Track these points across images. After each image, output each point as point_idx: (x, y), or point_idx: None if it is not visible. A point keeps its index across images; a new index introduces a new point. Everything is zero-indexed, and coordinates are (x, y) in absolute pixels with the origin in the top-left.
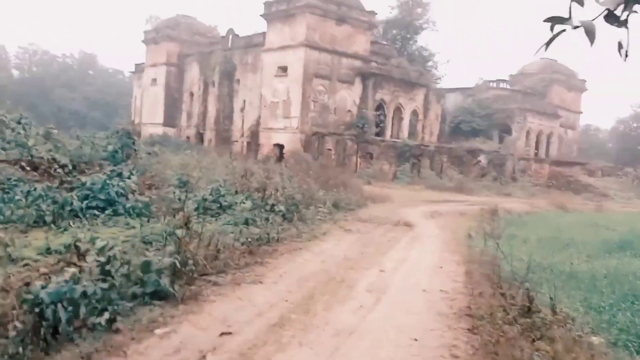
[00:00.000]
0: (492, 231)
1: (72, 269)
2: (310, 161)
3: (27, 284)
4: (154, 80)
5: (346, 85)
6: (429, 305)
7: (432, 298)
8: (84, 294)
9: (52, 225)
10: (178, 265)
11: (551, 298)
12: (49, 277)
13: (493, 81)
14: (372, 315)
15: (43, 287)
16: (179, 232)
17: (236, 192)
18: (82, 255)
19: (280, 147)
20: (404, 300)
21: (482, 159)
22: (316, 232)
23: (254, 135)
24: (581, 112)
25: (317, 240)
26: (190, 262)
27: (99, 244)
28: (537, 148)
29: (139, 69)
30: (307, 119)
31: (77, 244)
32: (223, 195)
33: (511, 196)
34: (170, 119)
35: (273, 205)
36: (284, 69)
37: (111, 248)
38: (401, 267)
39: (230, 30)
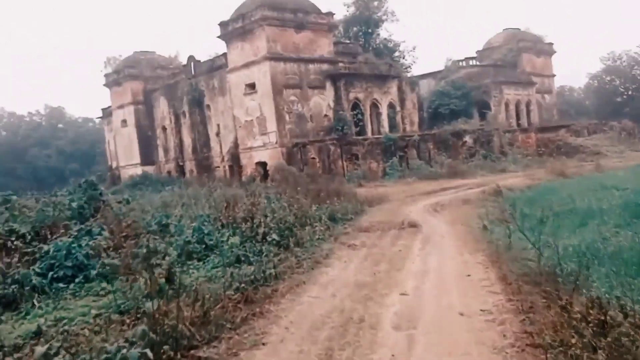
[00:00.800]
0: (503, 215)
1: None
2: (297, 173)
3: None
4: (124, 121)
5: (318, 90)
6: (475, 338)
7: (475, 324)
8: None
9: (9, 311)
10: (150, 355)
11: (617, 297)
12: None
13: (462, 60)
14: None
15: None
16: (149, 305)
17: (222, 227)
18: None
19: (263, 164)
20: (443, 335)
21: (468, 139)
22: (318, 256)
23: (235, 157)
24: (554, 75)
25: (321, 266)
26: (171, 339)
27: (39, 351)
28: (518, 118)
29: (107, 113)
30: (285, 131)
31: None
32: (208, 234)
33: (506, 172)
34: (148, 157)
35: (264, 234)
36: (252, 86)
37: (56, 353)
38: (424, 285)
39: (191, 58)
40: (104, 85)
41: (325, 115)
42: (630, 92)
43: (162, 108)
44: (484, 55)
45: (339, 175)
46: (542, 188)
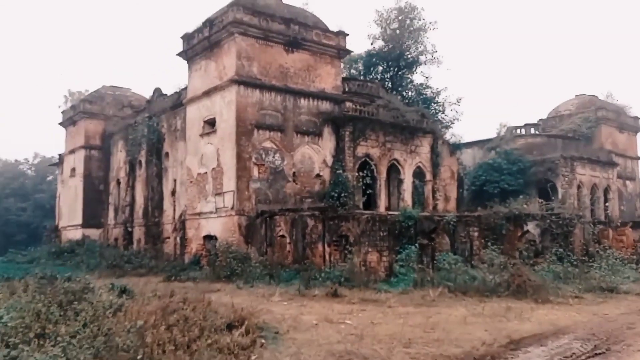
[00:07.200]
0: None
1: None
2: (254, 260)
3: None
4: (73, 170)
5: (310, 138)
6: None
7: None
8: None
9: None
10: None
11: None
12: None
13: (520, 127)
14: None
15: None
16: None
17: None
18: None
19: (213, 239)
20: None
21: (531, 228)
22: None
23: (184, 226)
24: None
25: None
26: None
27: None
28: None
29: (62, 159)
30: (249, 192)
31: None
32: None
33: (616, 292)
34: (94, 218)
35: None
36: (211, 124)
37: None
38: None
39: (157, 90)
40: (60, 124)
41: (318, 175)
42: None
43: (119, 155)
44: (549, 124)
45: (314, 269)
46: None
